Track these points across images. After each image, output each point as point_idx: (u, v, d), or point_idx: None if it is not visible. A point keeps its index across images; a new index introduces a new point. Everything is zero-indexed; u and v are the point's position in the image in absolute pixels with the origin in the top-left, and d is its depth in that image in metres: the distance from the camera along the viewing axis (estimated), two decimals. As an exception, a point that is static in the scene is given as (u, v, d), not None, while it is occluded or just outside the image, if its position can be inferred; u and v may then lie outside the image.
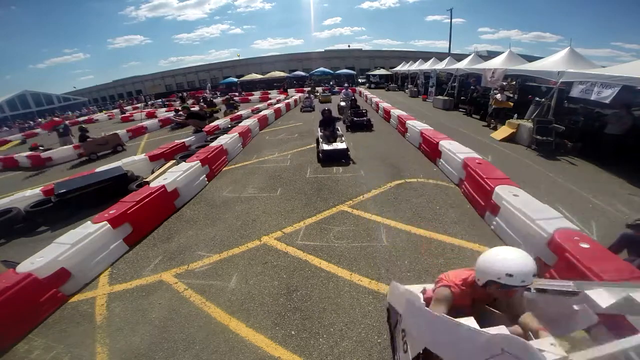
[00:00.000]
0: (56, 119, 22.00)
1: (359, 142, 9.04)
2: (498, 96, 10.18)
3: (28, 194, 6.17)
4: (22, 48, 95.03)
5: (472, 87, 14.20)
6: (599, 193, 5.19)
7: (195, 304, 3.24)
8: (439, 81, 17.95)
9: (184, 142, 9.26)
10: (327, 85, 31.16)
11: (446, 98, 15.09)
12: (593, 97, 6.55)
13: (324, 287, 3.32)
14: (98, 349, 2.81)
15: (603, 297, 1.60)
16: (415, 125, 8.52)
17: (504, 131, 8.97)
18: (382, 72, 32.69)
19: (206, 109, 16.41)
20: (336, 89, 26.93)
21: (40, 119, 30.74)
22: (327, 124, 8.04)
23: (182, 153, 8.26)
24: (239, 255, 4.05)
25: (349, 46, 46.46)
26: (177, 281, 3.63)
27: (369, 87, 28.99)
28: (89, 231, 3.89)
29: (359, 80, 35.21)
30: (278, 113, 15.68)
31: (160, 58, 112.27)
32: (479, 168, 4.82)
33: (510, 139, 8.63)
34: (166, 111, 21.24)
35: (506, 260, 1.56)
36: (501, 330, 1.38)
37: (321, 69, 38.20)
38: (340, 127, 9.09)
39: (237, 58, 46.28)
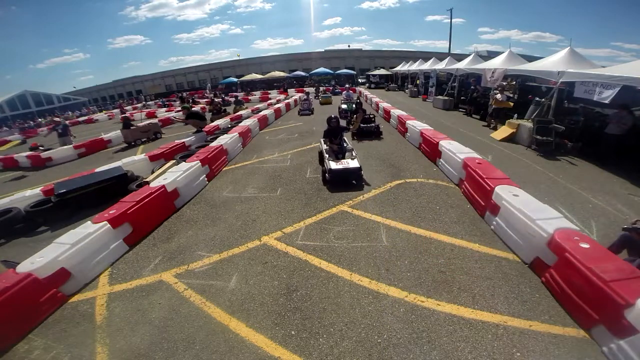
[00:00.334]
0: (56, 119, 22.00)
1: (359, 143, 9.04)
2: (498, 96, 10.18)
3: (28, 194, 6.17)
4: (22, 48, 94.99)
5: (472, 87, 14.19)
6: (599, 193, 5.19)
7: (195, 304, 3.24)
8: (438, 81, 17.94)
9: (184, 142, 9.25)
10: (327, 85, 31.02)
11: (446, 98, 15.08)
12: (595, 97, 6.55)
13: (324, 287, 3.32)
14: (98, 349, 2.80)
15: None
16: (415, 125, 8.52)
17: (504, 131, 8.97)
18: (382, 72, 32.68)
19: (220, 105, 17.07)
20: (338, 89, 26.20)
21: (40, 119, 30.74)
22: (334, 134, 6.61)
23: (182, 153, 8.25)
24: (239, 255, 4.05)
25: (349, 46, 46.47)
26: (177, 281, 3.63)
27: (369, 87, 28.99)
28: (89, 231, 3.89)
29: (359, 80, 35.19)
30: (278, 113, 15.68)
31: (160, 58, 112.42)
32: (479, 168, 4.82)
33: (510, 139, 8.63)
34: (166, 111, 21.25)
35: None
36: None
37: (321, 69, 38.19)
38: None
39: (237, 58, 46.28)
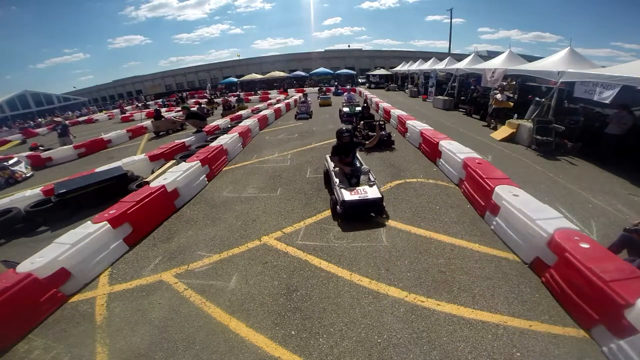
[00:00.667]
0: (56, 119, 22.01)
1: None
2: (498, 96, 10.18)
3: (28, 194, 6.17)
4: (22, 48, 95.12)
5: (472, 87, 14.19)
6: (599, 193, 5.19)
7: (195, 304, 3.24)
8: (438, 81, 17.93)
9: (184, 142, 9.26)
10: (327, 85, 30.82)
11: (446, 98, 15.08)
12: (595, 97, 6.55)
13: (324, 287, 3.32)
14: (98, 349, 2.80)
15: None
16: (415, 125, 8.52)
17: (504, 131, 8.96)
18: (382, 72, 32.68)
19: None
20: (340, 89, 24.77)
21: (40, 119, 30.74)
22: (346, 152, 5.18)
23: (182, 153, 8.25)
24: (239, 255, 4.05)
25: (349, 46, 46.51)
26: (177, 281, 3.63)
27: (369, 87, 28.97)
28: (89, 231, 3.89)
29: (359, 80, 35.18)
30: (278, 113, 15.68)
31: (160, 58, 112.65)
32: (479, 168, 4.82)
33: (510, 139, 8.63)
34: (166, 111, 21.24)
35: None
36: None
37: (321, 69, 38.20)
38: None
39: (237, 58, 46.30)
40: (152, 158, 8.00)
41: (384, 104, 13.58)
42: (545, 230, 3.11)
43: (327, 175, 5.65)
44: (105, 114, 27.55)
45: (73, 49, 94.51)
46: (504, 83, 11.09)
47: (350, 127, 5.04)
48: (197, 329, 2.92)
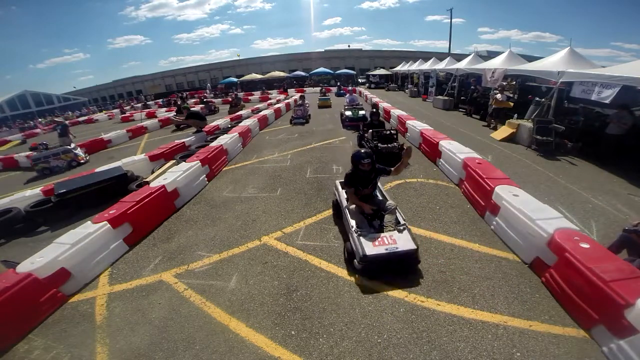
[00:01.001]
0: (57, 119, 22.01)
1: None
2: (498, 96, 10.18)
3: (28, 194, 6.17)
4: (22, 48, 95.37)
5: (472, 87, 14.20)
6: (599, 193, 5.19)
7: (195, 304, 3.24)
8: (438, 81, 17.93)
9: (184, 142, 9.26)
10: (327, 85, 30.74)
11: (446, 98, 15.08)
12: (593, 97, 6.56)
13: (324, 287, 3.32)
14: (98, 349, 2.80)
15: None
16: (415, 125, 8.52)
17: (504, 131, 8.96)
18: (382, 72, 32.69)
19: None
20: (342, 90, 23.58)
21: (40, 119, 30.73)
22: (364, 182, 3.77)
23: (182, 153, 8.25)
24: (239, 255, 4.05)
25: (349, 46, 46.45)
26: (177, 281, 3.63)
27: (369, 87, 28.98)
28: (89, 231, 3.89)
29: (359, 80, 35.18)
30: (278, 113, 15.67)
31: (160, 58, 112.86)
32: (479, 168, 4.82)
33: (510, 139, 8.63)
34: (166, 111, 21.25)
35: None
36: None
37: (321, 69, 38.18)
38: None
39: (237, 58, 46.28)
40: (152, 158, 7.99)
41: (384, 104, 13.58)
42: (545, 230, 3.11)
43: (336, 205, 4.48)
44: (105, 114, 27.53)
45: (73, 49, 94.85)
46: (504, 83, 11.08)
47: (369, 151, 3.67)
48: (197, 329, 2.92)
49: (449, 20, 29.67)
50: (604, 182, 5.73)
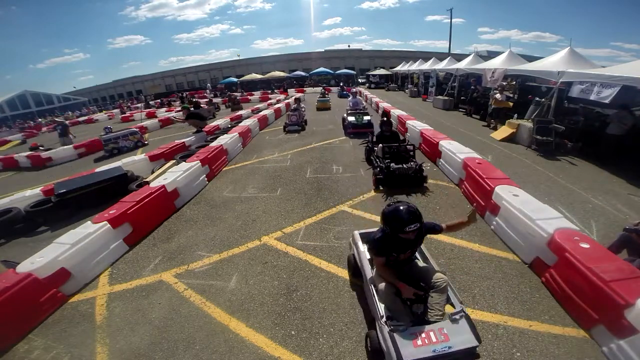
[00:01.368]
0: (57, 119, 22.01)
1: (357, 139, 9.03)
2: (498, 96, 10.18)
3: (28, 194, 6.17)
4: (22, 48, 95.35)
5: (472, 87, 14.20)
6: (599, 193, 5.19)
7: (195, 304, 3.24)
8: (438, 81, 17.94)
9: (184, 142, 9.26)
10: (327, 85, 30.64)
11: (446, 98, 15.09)
12: (592, 97, 6.56)
13: (324, 287, 3.32)
14: (98, 349, 2.80)
15: None
16: (415, 125, 8.52)
17: (504, 131, 8.97)
18: (382, 72, 32.70)
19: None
20: (345, 90, 22.14)
21: (40, 119, 30.72)
22: (401, 248, 2.47)
23: (182, 153, 8.26)
24: (239, 255, 4.05)
25: (349, 46, 46.49)
26: (177, 281, 3.63)
27: (369, 87, 28.98)
28: (89, 231, 3.89)
29: (359, 80, 35.18)
30: (278, 113, 15.67)
31: (160, 58, 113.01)
32: (479, 168, 4.82)
33: (510, 139, 8.63)
34: (166, 111, 21.25)
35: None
36: None
37: (321, 68, 38.19)
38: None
39: (237, 58, 46.31)
40: (152, 158, 8.00)
41: (384, 104, 13.59)
42: (545, 230, 3.11)
43: (354, 264, 3.21)
44: (105, 114, 27.53)
45: (73, 49, 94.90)
46: (504, 83, 11.08)
47: (413, 207, 2.33)
48: (197, 329, 2.92)
49: (449, 20, 29.75)
50: (604, 182, 5.73)
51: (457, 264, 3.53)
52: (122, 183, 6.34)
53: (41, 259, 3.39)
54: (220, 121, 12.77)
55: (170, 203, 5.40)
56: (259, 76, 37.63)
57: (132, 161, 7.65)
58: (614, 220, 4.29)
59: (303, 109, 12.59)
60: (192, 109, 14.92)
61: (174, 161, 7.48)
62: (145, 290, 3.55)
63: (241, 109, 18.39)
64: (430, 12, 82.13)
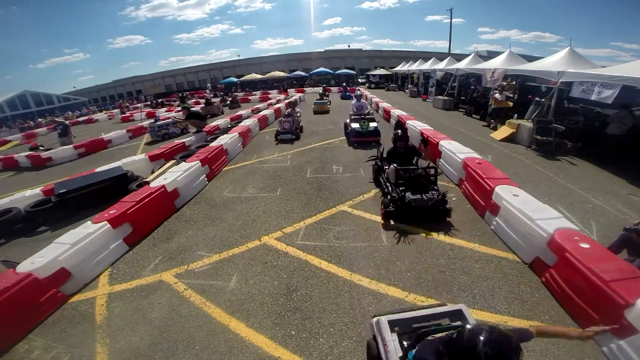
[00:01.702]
0: (57, 119, 22.03)
1: (361, 149, 9.02)
2: (497, 96, 10.18)
3: (28, 194, 6.17)
4: (22, 48, 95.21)
5: (472, 87, 14.20)
6: (599, 193, 5.19)
7: (195, 304, 3.24)
8: (438, 81, 17.93)
9: (184, 142, 9.26)
10: (327, 85, 30.57)
11: (446, 98, 15.09)
12: (593, 97, 6.56)
13: (324, 287, 3.32)
14: (98, 349, 2.80)
15: None
16: (415, 125, 8.51)
17: (504, 131, 8.97)
18: (382, 72, 32.72)
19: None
20: (348, 92, 20.82)
21: (40, 119, 30.71)
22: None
23: (182, 153, 8.26)
24: (239, 255, 4.05)
25: (349, 46, 46.51)
26: (177, 281, 3.63)
27: (369, 87, 28.98)
28: (89, 231, 3.89)
29: (359, 80, 35.18)
30: (278, 113, 15.66)
31: (160, 58, 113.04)
32: (479, 168, 4.82)
33: (510, 139, 8.63)
34: (166, 111, 21.25)
35: None
36: None
37: (321, 68, 38.19)
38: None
39: (237, 58, 46.32)
40: (152, 158, 8.00)
41: (384, 104, 13.57)
42: (545, 230, 3.11)
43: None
44: (105, 114, 27.52)
45: (73, 49, 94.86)
46: (504, 83, 11.08)
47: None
48: (197, 329, 2.92)
49: (449, 20, 29.74)
50: (604, 182, 5.73)
51: (457, 264, 3.53)
52: (122, 183, 6.34)
53: (41, 259, 3.39)
54: (220, 121, 12.78)
55: (170, 203, 5.40)
56: (259, 76, 37.63)
57: (132, 161, 7.64)
58: (614, 220, 4.29)
59: (298, 115, 11.25)
60: (205, 105, 17.48)
61: (174, 161, 7.48)
62: (145, 290, 3.55)
63: (239, 107, 19.57)
64: (430, 12, 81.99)
